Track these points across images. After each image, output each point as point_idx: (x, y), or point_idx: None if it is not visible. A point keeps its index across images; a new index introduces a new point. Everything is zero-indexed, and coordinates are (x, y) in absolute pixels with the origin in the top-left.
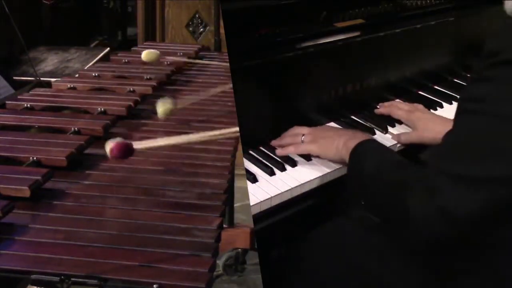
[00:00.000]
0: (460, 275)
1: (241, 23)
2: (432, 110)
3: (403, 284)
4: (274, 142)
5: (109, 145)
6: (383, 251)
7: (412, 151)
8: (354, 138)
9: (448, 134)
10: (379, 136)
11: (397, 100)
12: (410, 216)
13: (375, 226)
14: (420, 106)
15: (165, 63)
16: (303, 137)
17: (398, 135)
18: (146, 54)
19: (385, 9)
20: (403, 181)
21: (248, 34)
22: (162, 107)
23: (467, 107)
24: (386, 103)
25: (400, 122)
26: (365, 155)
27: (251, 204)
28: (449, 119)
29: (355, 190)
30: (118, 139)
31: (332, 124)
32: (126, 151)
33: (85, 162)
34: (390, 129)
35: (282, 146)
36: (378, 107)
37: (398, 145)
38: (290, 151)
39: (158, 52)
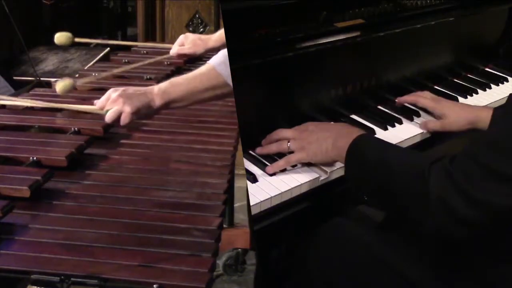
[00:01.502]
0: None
1: (241, 23)
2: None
3: (404, 283)
4: (259, 150)
5: None
6: (384, 251)
7: None
8: (342, 137)
9: (498, 128)
10: (379, 135)
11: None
12: (429, 199)
13: (375, 226)
14: (443, 98)
15: (165, 63)
16: (289, 143)
17: (425, 122)
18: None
19: (385, 9)
20: (419, 165)
21: (248, 34)
22: (61, 83)
23: None
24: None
25: (401, 122)
26: (363, 150)
27: (251, 204)
28: (476, 107)
29: (356, 186)
30: None
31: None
32: None
33: (85, 162)
34: (390, 128)
35: (268, 153)
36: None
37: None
38: (281, 166)
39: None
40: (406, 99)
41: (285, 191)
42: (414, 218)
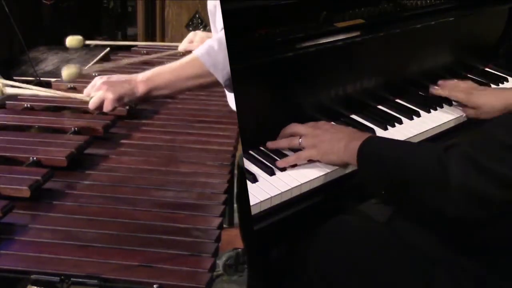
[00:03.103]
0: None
1: (241, 23)
2: (432, 110)
3: (406, 283)
4: (269, 144)
5: None
6: (384, 251)
7: None
8: (354, 139)
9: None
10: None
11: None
12: (451, 183)
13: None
14: (473, 84)
15: (165, 63)
16: (300, 139)
17: (465, 110)
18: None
19: (385, 9)
20: (435, 151)
21: (248, 34)
22: (67, 70)
23: None
24: (441, 82)
25: (400, 121)
26: (376, 149)
27: (251, 204)
28: (507, 91)
29: (373, 184)
30: None
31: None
32: None
33: (85, 162)
34: (390, 128)
35: (278, 147)
36: (435, 86)
37: None
38: (291, 162)
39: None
40: (440, 93)
41: (285, 191)
42: (435, 205)
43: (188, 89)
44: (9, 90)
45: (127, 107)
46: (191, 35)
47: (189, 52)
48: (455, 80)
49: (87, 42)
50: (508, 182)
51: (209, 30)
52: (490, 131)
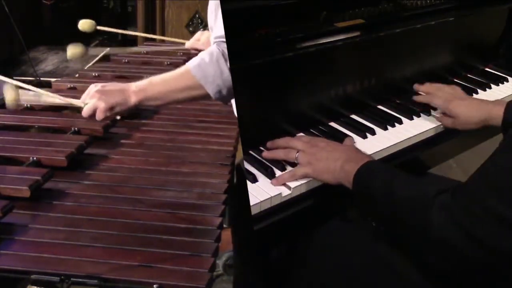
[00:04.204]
0: None
1: (241, 23)
2: (431, 111)
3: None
4: (265, 154)
5: None
6: (384, 251)
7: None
8: (351, 161)
9: (500, 167)
10: (379, 135)
11: (435, 84)
12: (430, 232)
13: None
14: (458, 90)
15: (165, 63)
16: (297, 154)
17: (441, 117)
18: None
19: (385, 9)
20: (421, 196)
21: (248, 34)
22: (71, 49)
23: None
24: (424, 88)
25: (400, 121)
26: (370, 177)
27: (251, 204)
28: (488, 104)
29: (362, 210)
30: None
31: (332, 124)
32: None
33: (85, 162)
34: (390, 128)
35: (274, 158)
36: (419, 92)
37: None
38: (286, 179)
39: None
40: (422, 100)
41: (285, 191)
42: (417, 250)
43: (180, 101)
44: (25, 97)
45: (118, 117)
46: (198, 34)
47: (195, 49)
48: (440, 84)
49: (98, 27)
50: (492, 251)
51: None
52: (472, 187)
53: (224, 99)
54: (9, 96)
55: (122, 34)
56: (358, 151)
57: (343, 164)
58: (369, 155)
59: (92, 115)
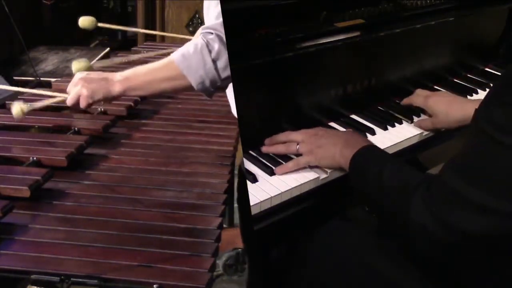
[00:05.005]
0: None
1: (241, 23)
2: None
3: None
4: (265, 149)
5: None
6: (384, 252)
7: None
8: (348, 146)
9: (467, 152)
10: (379, 135)
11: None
12: (410, 221)
13: (376, 227)
14: (444, 92)
15: None
16: (298, 146)
17: (419, 121)
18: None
19: (385, 9)
20: (404, 187)
21: (248, 34)
22: (75, 65)
23: (488, 130)
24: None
25: (400, 121)
26: (364, 162)
27: (251, 204)
28: (466, 102)
29: (359, 196)
30: None
31: (332, 124)
32: None
33: (85, 162)
34: (390, 128)
35: (275, 153)
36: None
37: (396, 145)
38: (290, 168)
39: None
40: (405, 102)
41: (285, 191)
42: (401, 235)
43: (163, 91)
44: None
45: (102, 108)
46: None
47: None
48: (420, 90)
49: (99, 24)
50: (466, 236)
51: None
52: (446, 175)
53: (207, 91)
54: (15, 112)
55: (122, 34)
56: (356, 135)
57: (342, 148)
58: (368, 139)
59: (76, 103)
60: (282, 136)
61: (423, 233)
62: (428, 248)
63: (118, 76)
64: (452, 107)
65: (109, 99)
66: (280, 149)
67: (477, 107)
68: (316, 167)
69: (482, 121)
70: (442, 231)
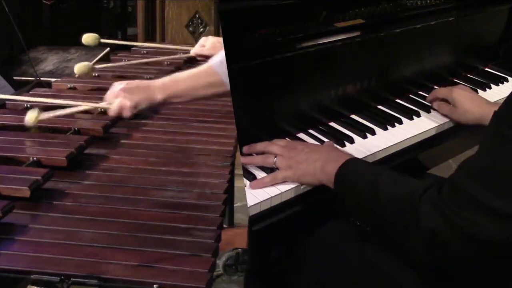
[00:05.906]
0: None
1: (240, 23)
2: (431, 110)
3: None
4: (243, 160)
5: None
6: (385, 252)
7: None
8: (329, 161)
9: (485, 157)
10: (379, 135)
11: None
12: (420, 229)
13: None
14: (462, 86)
15: (165, 63)
16: (275, 159)
17: (440, 103)
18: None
19: (385, 9)
20: (407, 196)
21: (248, 34)
22: (77, 68)
23: (508, 135)
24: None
25: (401, 122)
26: (352, 177)
27: (251, 204)
28: (487, 104)
29: (347, 212)
30: None
31: (332, 124)
32: None
33: (85, 162)
34: (390, 128)
35: (252, 164)
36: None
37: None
38: (266, 183)
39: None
40: (429, 98)
41: (285, 191)
42: (407, 248)
43: (202, 98)
44: (45, 115)
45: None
46: (203, 40)
47: (201, 56)
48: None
49: (102, 40)
50: (480, 242)
51: (209, 30)
52: (459, 179)
53: None
54: (29, 117)
55: (122, 34)
56: (336, 150)
57: (323, 165)
58: (348, 153)
59: (120, 113)
60: (259, 146)
61: (436, 240)
62: (441, 256)
63: (158, 84)
64: (473, 104)
65: (152, 107)
66: (256, 160)
67: (496, 110)
68: None
69: (502, 125)
70: (456, 237)
